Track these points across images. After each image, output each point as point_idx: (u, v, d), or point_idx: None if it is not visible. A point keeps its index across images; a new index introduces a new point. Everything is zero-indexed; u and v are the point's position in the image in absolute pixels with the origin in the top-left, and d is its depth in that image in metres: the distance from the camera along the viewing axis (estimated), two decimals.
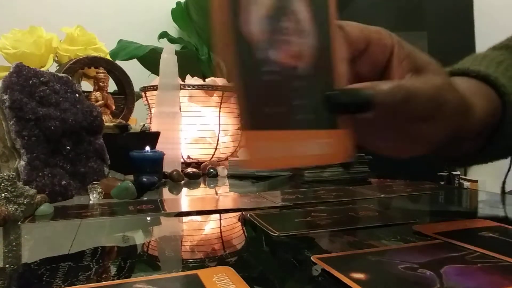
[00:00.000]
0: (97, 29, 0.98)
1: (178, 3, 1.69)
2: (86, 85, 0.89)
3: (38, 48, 0.85)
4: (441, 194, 0.54)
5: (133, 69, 1.09)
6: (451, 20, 0.87)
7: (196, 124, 0.87)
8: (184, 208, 0.48)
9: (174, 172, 0.67)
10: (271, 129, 0.23)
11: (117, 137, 0.68)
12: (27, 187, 0.42)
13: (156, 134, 0.73)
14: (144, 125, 0.75)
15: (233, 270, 0.24)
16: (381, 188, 0.58)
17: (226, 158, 0.89)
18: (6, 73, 0.51)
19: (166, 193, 0.59)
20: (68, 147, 0.54)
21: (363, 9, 0.89)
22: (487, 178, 1.23)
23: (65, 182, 0.51)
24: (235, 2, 0.21)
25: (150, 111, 0.92)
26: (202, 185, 0.67)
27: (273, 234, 0.33)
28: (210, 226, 0.41)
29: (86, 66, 0.84)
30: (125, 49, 1.41)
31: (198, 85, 0.86)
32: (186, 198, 0.58)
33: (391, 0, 0.90)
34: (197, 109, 0.87)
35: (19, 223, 0.39)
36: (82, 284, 0.23)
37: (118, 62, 0.97)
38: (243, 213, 0.42)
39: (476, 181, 1.33)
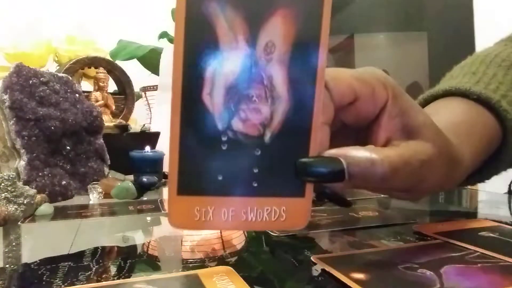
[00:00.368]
0: (97, 29, 0.98)
1: None
2: (86, 85, 0.89)
3: (38, 48, 0.85)
4: (441, 194, 0.54)
5: (133, 69, 1.08)
6: (451, 20, 0.87)
7: None
8: None
9: None
10: (214, 196, 0.22)
11: (117, 137, 0.68)
12: (27, 187, 0.42)
13: (156, 134, 0.73)
14: (144, 125, 0.75)
15: (233, 270, 0.24)
16: None
17: None
18: (6, 73, 0.51)
19: (166, 193, 0.59)
20: (68, 147, 0.54)
21: (363, 9, 0.89)
22: None
23: (65, 182, 0.51)
24: (197, 74, 0.21)
25: (150, 111, 0.92)
26: None
27: (273, 234, 0.33)
28: None
29: (86, 66, 0.84)
30: (125, 49, 1.41)
31: None
32: None
33: (391, 0, 0.90)
34: None
35: (19, 223, 0.39)
36: (82, 284, 0.23)
37: (118, 62, 0.97)
38: None
39: None
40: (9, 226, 0.38)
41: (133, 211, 0.44)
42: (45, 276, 0.25)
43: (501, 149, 0.34)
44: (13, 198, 0.40)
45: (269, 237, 0.33)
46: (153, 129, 0.77)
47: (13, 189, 0.40)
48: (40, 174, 0.49)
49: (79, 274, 0.25)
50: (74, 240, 0.33)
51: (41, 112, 0.50)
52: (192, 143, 0.21)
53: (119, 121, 0.81)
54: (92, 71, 0.86)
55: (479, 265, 0.25)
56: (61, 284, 0.23)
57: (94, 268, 0.26)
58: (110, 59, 0.91)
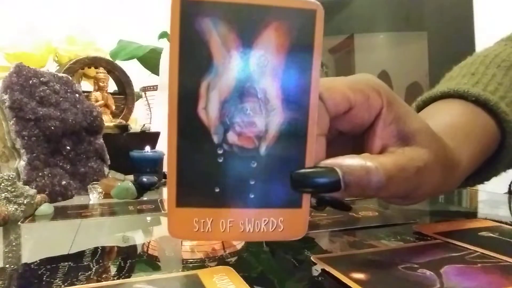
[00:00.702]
0: (97, 29, 0.97)
1: None
2: (86, 85, 0.89)
3: (38, 48, 0.85)
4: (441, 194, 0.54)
5: (133, 69, 1.08)
6: (451, 20, 0.87)
7: None
8: None
9: None
10: (212, 208, 0.22)
11: (117, 137, 0.68)
12: (27, 187, 0.42)
13: (156, 134, 0.73)
14: (144, 125, 0.75)
15: (233, 270, 0.24)
16: None
17: None
18: (6, 73, 0.51)
19: (166, 193, 0.59)
20: (68, 147, 0.54)
21: (363, 9, 0.89)
22: None
23: (65, 182, 0.52)
24: (192, 90, 0.21)
25: (150, 111, 0.92)
26: None
27: None
28: None
29: (86, 66, 0.84)
30: (125, 49, 1.41)
31: None
32: None
33: (391, 0, 0.90)
34: None
35: (19, 223, 0.39)
36: (82, 284, 0.23)
37: (118, 62, 0.97)
38: None
39: None
40: (9, 226, 0.38)
41: (133, 211, 0.44)
42: (45, 276, 0.25)
43: (500, 151, 0.34)
44: (13, 198, 0.40)
45: None
46: (153, 129, 0.77)
47: (13, 189, 0.40)
48: (40, 174, 0.49)
49: (79, 274, 0.25)
50: (74, 240, 0.33)
51: (41, 112, 0.51)
52: (189, 157, 0.22)
53: (119, 121, 0.81)
54: (92, 71, 0.86)
55: (479, 265, 0.25)
56: (61, 284, 0.23)
57: (94, 268, 0.26)
58: (110, 59, 0.91)
